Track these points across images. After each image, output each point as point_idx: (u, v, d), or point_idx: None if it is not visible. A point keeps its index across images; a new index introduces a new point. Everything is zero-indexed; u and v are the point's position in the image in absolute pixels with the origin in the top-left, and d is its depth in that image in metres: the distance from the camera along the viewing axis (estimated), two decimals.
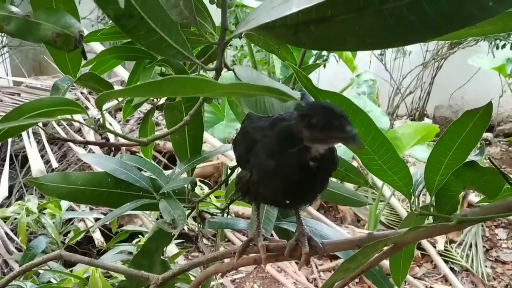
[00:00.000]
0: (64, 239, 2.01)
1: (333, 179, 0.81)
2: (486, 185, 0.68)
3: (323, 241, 0.69)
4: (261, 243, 0.72)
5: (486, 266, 2.84)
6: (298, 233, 0.70)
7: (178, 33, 0.49)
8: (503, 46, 4.02)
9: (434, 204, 0.68)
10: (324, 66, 3.91)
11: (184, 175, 0.80)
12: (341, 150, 0.76)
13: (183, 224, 0.71)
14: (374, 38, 0.36)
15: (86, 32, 0.76)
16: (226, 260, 0.77)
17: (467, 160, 0.65)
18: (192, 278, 1.37)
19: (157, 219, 2.69)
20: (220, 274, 1.19)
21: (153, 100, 1.04)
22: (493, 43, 4.12)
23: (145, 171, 0.82)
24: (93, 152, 2.57)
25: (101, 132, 0.49)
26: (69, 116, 0.56)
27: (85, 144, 0.67)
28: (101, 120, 0.49)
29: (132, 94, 0.38)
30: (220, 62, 0.54)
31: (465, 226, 0.65)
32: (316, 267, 2.91)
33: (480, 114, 0.56)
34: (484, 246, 3.00)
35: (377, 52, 4.60)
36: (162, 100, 1.07)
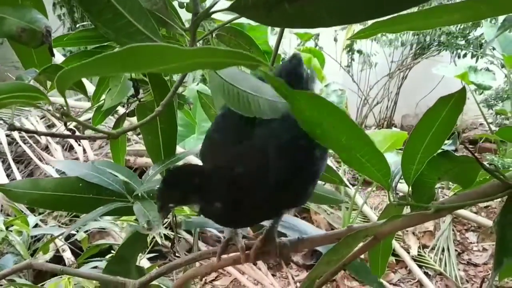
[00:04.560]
0: (35, 258, 1.94)
1: None
2: (460, 175, 0.69)
3: (303, 236, 0.69)
4: (241, 244, 0.70)
5: (459, 269, 2.88)
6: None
7: (148, 19, 0.48)
8: (464, 55, 4.16)
9: (411, 194, 0.68)
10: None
11: (159, 176, 0.78)
12: None
13: (158, 225, 0.69)
14: (350, 11, 0.35)
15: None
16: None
17: (440, 150, 0.65)
18: None
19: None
20: (199, 277, 1.16)
21: (123, 106, 1.02)
22: (454, 52, 4.26)
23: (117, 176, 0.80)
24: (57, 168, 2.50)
25: (65, 121, 0.47)
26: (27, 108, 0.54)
27: (49, 136, 0.64)
28: (64, 108, 0.47)
29: (93, 70, 0.37)
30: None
31: (443, 215, 0.65)
32: (293, 278, 2.89)
33: (454, 100, 0.57)
34: (456, 250, 3.05)
35: (344, 63, 4.68)
36: (133, 106, 1.05)
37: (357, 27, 3.63)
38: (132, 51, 0.31)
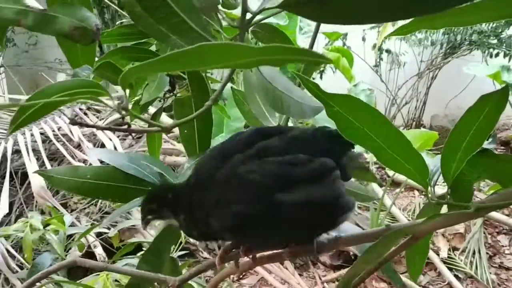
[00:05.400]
0: (66, 255, 1.99)
1: None
2: (500, 173, 0.68)
3: (340, 234, 0.69)
4: (222, 250, 0.72)
5: (490, 273, 2.82)
6: None
7: (199, 17, 0.50)
8: (497, 54, 4.08)
9: (449, 193, 0.68)
10: (321, 77, 3.94)
11: None
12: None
13: None
14: (399, 7, 0.36)
15: None
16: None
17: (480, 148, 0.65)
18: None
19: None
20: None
21: (160, 101, 1.04)
22: (486, 51, 4.17)
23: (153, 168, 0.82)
24: (90, 164, 2.56)
25: (124, 115, 0.49)
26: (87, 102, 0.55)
27: (106, 129, 0.67)
28: (124, 101, 0.48)
29: (161, 67, 0.38)
30: None
31: (483, 214, 0.64)
32: (320, 278, 2.88)
33: (496, 98, 0.56)
34: (487, 253, 2.99)
35: (372, 63, 4.63)
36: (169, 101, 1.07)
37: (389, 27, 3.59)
38: (201, 49, 0.32)
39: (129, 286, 0.78)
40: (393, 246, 0.64)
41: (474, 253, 2.93)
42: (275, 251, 0.71)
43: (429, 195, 0.67)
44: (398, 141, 0.59)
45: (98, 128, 0.58)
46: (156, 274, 0.71)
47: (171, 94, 1.01)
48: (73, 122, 0.46)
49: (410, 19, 0.53)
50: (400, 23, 0.58)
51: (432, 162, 0.69)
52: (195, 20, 0.49)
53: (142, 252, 2.15)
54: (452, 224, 0.68)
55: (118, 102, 0.46)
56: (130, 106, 1.04)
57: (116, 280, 1.20)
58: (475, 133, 0.60)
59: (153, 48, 0.99)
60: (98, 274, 1.31)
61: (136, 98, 1.03)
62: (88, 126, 0.53)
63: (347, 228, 0.69)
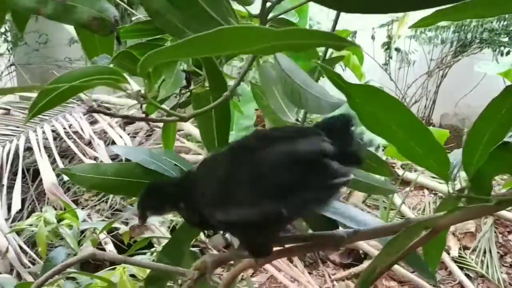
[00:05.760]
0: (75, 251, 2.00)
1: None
2: None
3: (359, 228, 0.69)
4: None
5: (501, 272, 2.80)
6: None
7: (219, 6, 0.50)
8: (508, 52, 4.05)
9: (469, 187, 0.68)
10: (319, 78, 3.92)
11: None
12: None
13: None
14: None
15: None
16: None
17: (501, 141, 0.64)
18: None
19: (168, 227, 2.68)
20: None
21: (175, 97, 1.05)
22: (497, 50, 4.14)
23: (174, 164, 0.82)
24: (101, 161, 2.58)
25: (143, 102, 0.49)
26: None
27: (124, 118, 0.67)
28: (143, 90, 0.48)
29: (180, 52, 0.38)
30: None
31: (504, 207, 0.63)
32: (329, 276, 2.88)
33: None
34: (498, 252, 2.97)
35: (381, 61, 4.62)
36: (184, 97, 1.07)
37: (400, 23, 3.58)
38: (221, 33, 0.32)
39: (148, 279, 0.78)
40: (414, 239, 0.64)
41: (485, 252, 2.91)
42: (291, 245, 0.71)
43: (449, 189, 0.66)
44: (421, 134, 0.59)
45: (116, 116, 0.58)
46: (175, 266, 0.71)
47: (187, 90, 1.01)
48: (91, 110, 0.47)
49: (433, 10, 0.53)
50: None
51: (452, 155, 0.69)
52: (215, 9, 0.49)
53: (154, 249, 2.16)
54: (472, 218, 0.67)
55: (137, 90, 0.47)
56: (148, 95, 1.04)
57: (131, 275, 1.20)
58: (497, 126, 0.60)
59: (168, 44, 0.99)
60: (114, 268, 1.32)
61: (151, 95, 1.04)
62: (106, 114, 0.53)
63: (368, 220, 0.69)
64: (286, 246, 0.72)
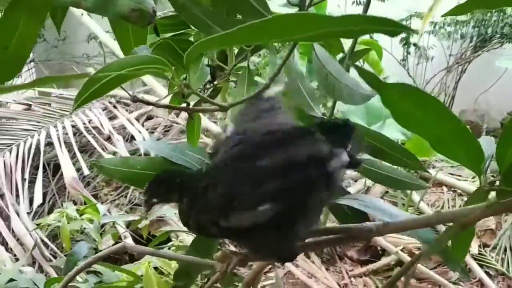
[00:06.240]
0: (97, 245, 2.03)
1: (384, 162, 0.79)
2: None
3: (387, 220, 0.68)
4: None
5: None
6: None
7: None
8: None
9: (502, 180, 0.67)
10: (348, 70, 3.90)
11: None
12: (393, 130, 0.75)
13: None
14: None
15: None
16: None
17: None
18: None
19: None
20: None
21: (200, 91, 1.05)
22: None
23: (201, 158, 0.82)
24: (120, 155, 2.60)
25: (186, 92, 0.49)
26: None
27: (165, 107, 0.66)
28: (187, 79, 0.48)
29: (235, 40, 0.38)
30: None
31: None
32: (347, 273, 2.87)
33: None
34: None
35: (399, 57, 4.57)
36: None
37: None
38: (275, 20, 0.32)
39: (176, 275, 0.78)
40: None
41: (505, 250, 2.88)
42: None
43: (481, 182, 0.66)
44: (456, 130, 0.58)
45: (158, 106, 0.58)
46: (204, 259, 0.71)
47: (212, 84, 1.02)
48: (135, 99, 0.47)
49: None
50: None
51: (484, 144, 0.68)
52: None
53: (171, 243, 2.17)
54: (504, 212, 0.67)
55: (182, 79, 0.47)
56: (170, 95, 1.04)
57: (155, 268, 1.21)
58: None
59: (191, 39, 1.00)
60: (140, 263, 1.33)
61: (175, 90, 1.04)
62: (148, 103, 0.54)
63: (398, 213, 0.68)
64: (315, 239, 0.72)
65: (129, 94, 0.49)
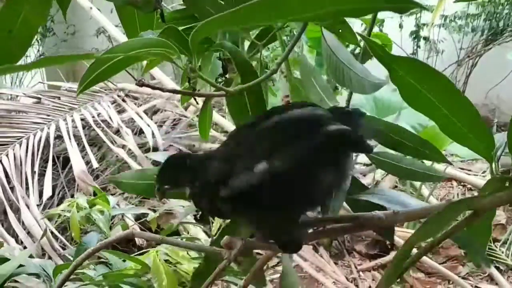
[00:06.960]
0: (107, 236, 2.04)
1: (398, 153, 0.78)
2: None
3: (398, 210, 0.67)
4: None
5: None
6: None
7: None
8: None
9: None
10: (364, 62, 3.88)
11: None
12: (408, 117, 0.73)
13: None
14: None
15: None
16: None
17: None
18: None
19: (194, 215, 2.70)
20: None
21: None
22: None
23: None
24: (133, 153, 2.61)
25: (192, 76, 0.48)
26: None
27: (173, 92, 0.66)
28: (193, 63, 0.48)
29: (239, 19, 0.37)
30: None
31: None
32: (355, 267, 2.86)
33: None
34: None
35: (409, 51, 4.54)
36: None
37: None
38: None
39: (195, 275, 0.77)
40: (456, 219, 0.62)
41: None
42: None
43: (493, 171, 0.64)
44: (465, 111, 0.57)
45: (165, 90, 0.58)
46: (211, 247, 0.71)
47: (223, 78, 1.01)
48: (140, 83, 0.47)
49: None
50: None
51: (496, 136, 0.67)
52: None
53: (179, 236, 2.17)
54: None
55: (187, 62, 0.46)
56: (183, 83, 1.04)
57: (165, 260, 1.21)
58: None
59: None
60: (147, 251, 1.33)
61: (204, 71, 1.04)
62: (154, 88, 0.53)
63: (410, 202, 0.67)
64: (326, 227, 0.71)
65: (134, 78, 0.48)
